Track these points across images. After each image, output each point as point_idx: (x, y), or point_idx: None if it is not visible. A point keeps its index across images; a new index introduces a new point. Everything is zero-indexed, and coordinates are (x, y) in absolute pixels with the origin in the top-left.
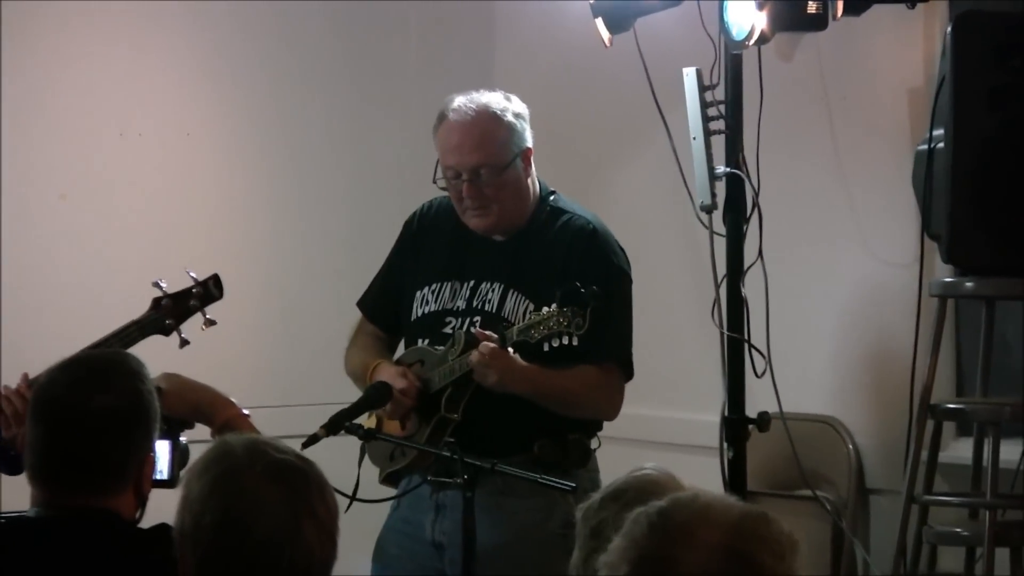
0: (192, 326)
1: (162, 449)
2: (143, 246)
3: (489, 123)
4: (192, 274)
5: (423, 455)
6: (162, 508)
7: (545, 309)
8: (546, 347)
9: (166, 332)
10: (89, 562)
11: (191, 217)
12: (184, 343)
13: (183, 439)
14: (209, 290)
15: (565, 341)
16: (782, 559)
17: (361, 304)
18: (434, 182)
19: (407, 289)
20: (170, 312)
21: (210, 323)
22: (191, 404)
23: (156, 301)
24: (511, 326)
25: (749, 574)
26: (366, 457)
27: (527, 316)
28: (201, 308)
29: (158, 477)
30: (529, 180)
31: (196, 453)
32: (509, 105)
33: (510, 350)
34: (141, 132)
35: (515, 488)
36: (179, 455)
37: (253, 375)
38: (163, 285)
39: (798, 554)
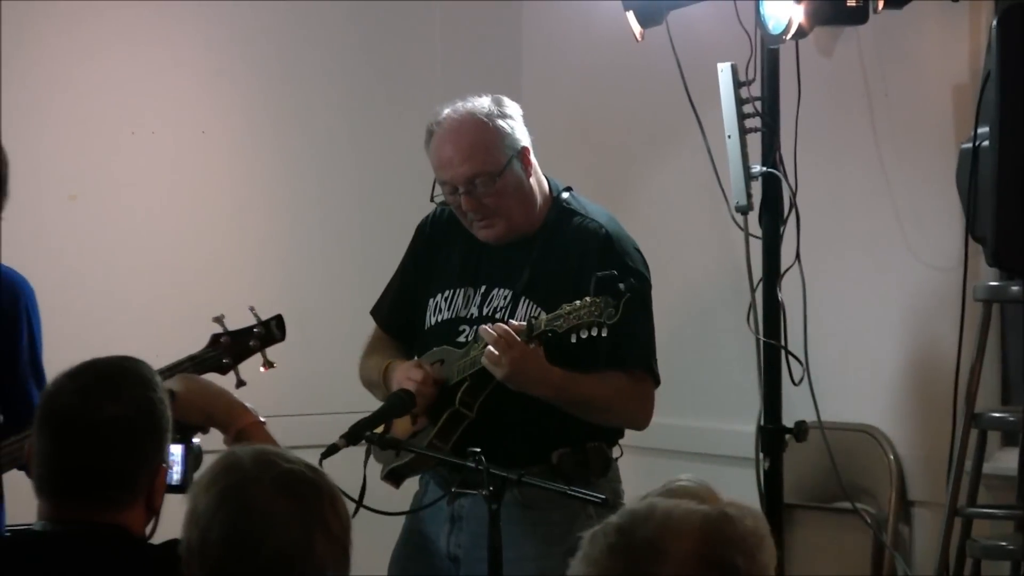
0: (250, 366)
1: (175, 454)
2: (155, 248)
3: (476, 130)
4: (255, 312)
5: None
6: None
7: (578, 302)
8: (573, 338)
9: (223, 371)
10: None
11: (205, 219)
12: (240, 383)
13: (196, 441)
14: (271, 331)
15: (594, 333)
16: (754, 558)
17: (375, 313)
18: (432, 200)
19: (420, 296)
20: (228, 351)
21: (269, 365)
22: (204, 411)
23: (215, 338)
24: (540, 316)
25: None
26: (371, 459)
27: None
28: (261, 349)
29: (171, 483)
30: (533, 180)
31: (208, 462)
32: (496, 107)
33: (532, 345)
34: (154, 130)
35: (535, 500)
36: (192, 459)
37: (270, 383)
38: (225, 321)
39: (767, 548)
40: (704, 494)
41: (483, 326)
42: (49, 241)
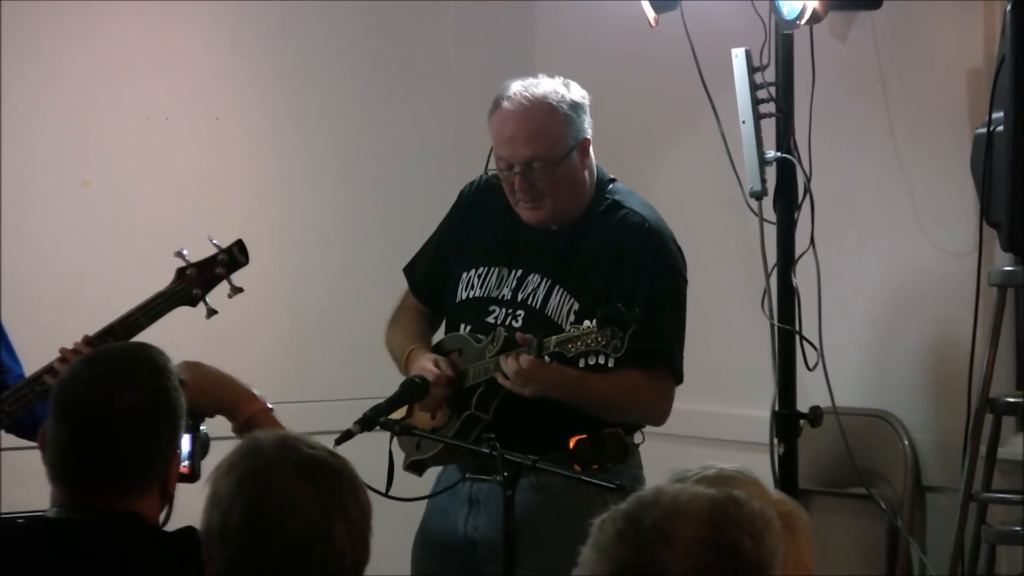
0: (218, 295)
1: (183, 442)
2: (169, 234)
3: (544, 115)
4: (215, 241)
5: (451, 447)
6: (190, 506)
7: (586, 323)
8: (581, 363)
9: (193, 303)
10: (111, 566)
11: (220, 205)
12: (211, 312)
13: (203, 428)
14: (234, 256)
15: (601, 360)
16: (761, 540)
17: (408, 271)
18: (485, 172)
19: (453, 266)
20: (195, 281)
21: (237, 291)
22: (213, 398)
23: (180, 271)
24: (550, 336)
25: (731, 562)
26: (395, 444)
27: (571, 317)
28: (227, 275)
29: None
30: (586, 171)
31: (220, 451)
32: (567, 94)
33: (546, 358)
34: (168, 116)
35: (549, 485)
36: (200, 446)
37: (286, 369)
38: (186, 255)
39: (774, 529)
40: (747, 481)
41: (503, 358)
42: (62, 226)
